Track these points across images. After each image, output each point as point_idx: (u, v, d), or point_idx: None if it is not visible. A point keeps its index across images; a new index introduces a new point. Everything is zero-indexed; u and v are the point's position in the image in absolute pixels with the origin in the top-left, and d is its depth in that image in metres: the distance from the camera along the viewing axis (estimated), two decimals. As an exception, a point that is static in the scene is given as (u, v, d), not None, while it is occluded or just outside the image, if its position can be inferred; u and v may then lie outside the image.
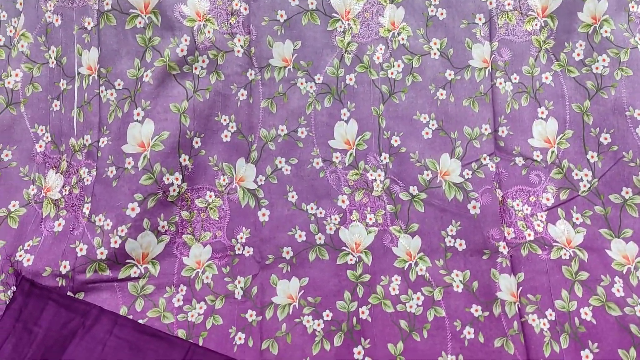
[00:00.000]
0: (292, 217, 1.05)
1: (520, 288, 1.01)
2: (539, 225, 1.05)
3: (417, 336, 0.98)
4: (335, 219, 1.05)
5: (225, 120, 1.07)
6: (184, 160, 1.02)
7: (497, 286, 1.01)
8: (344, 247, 1.04)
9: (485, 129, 1.09)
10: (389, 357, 0.96)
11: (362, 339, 0.98)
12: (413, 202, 1.06)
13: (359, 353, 0.96)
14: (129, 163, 0.98)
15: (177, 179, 1.01)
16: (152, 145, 0.99)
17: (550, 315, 0.98)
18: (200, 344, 0.96)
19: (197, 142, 1.04)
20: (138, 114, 1.00)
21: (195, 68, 1.04)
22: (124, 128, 1.00)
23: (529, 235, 1.04)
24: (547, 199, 1.07)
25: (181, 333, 0.96)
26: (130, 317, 0.96)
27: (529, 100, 1.10)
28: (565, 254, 1.03)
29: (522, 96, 1.10)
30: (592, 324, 0.97)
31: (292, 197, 1.06)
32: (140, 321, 0.96)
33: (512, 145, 1.08)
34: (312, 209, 1.06)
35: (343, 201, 1.06)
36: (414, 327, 0.98)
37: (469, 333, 0.98)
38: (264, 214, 1.05)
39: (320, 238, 1.04)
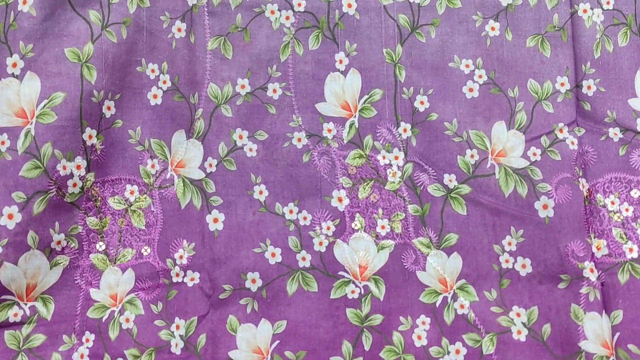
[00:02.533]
0: (260, 224, 1.05)
1: (617, 334, 1.00)
2: (645, 235, 1.04)
3: (456, 410, 0.98)
4: (328, 228, 1.05)
5: (153, 71, 1.06)
6: (90, 137, 1.01)
7: (581, 332, 1.00)
8: (341, 272, 1.04)
9: (562, 84, 1.07)
10: None
11: (370, 416, 0.98)
12: (449, 199, 1.05)
13: None
14: (2, 143, 0.97)
15: (78, 166, 1.00)
16: (39, 115, 0.97)
17: (663, 376, 0.98)
18: None
19: (109, 108, 1.03)
20: (14, 65, 0.99)
21: (104, -10, 1.02)
22: (-8, 89, 0.98)
23: (631, 250, 1.03)
24: (659, 193, 1.06)
25: (88, 409, 0.97)
26: (8, 384, 0.95)
27: (629, 37, 1.08)
28: (687, 280, 1.03)
29: (620, 31, 1.09)
30: None
31: (260, 193, 1.06)
32: (23, 391, 0.96)
33: (604, 109, 1.07)
34: (291, 212, 1.05)
35: (340, 199, 1.06)
36: (451, 397, 0.99)
37: (536, 405, 0.98)
38: (215, 220, 1.05)
39: (304, 258, 1.04)
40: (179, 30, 1.07)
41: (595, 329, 1.00)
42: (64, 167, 0.98)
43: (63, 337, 0.99)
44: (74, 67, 0.99)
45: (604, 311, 1.01)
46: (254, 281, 1.03)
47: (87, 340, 1.00)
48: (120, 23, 1.03)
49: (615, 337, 1.00)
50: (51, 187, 0.98)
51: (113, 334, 1.00)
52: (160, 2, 1.06)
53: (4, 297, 0.97)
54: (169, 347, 1.00)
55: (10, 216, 0.96)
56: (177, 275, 1.03)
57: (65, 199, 1.00)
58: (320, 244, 1.04)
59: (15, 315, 0.98)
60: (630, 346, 1.00)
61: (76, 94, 0.99)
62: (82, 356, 0.99)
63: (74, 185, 1.00)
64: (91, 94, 1.00)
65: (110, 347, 1.00)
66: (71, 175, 0.99)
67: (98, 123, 1.01)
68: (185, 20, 1.07)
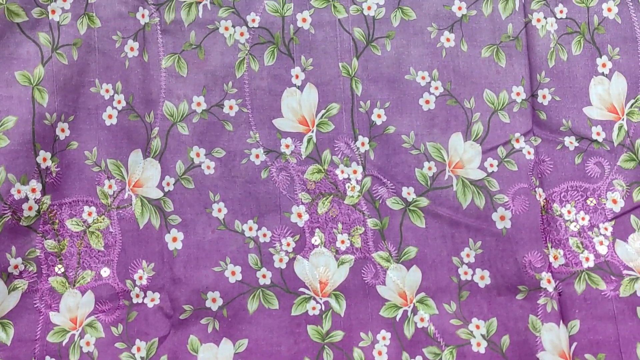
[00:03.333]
0: (219, 242, 1.05)
1: (575, 344, 1.01)
2: (601, 244, 1.05)
3: None
4: (288, 245, 1.05)
5: (107, 90, 1.06)
6: (44, 160, 1.01)
7: (539, 343, 1.01)
8: (302, 289, 1.04)
9: (518, 94, 1.08)
10: None
11: None
12: (408, 212, 1.06)
13: None
14: None
15: (33, 190, 1.00)
16: None
17: (622, 386, 1.00)
18: None
19: (63, 130, 1.03)
20: None
21: (53, 11, 1.02)
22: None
23: (587, 260, 1.05)
24: (614, 201, 1.07)
25: None
26: (-32, 414, 0.95)
27: (582, 45, 1.09)
28: (643, 288, 1.04)
29: (573, 39, 1.09)
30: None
31: (219, 210, 1.06)
32: (-17, 420, 0.95)
33: (560, 118, 1.08)
34: (250, 229, 1.06)
35: (299, 215, 1.06)
36: (412, 411, 1.00)
37: (496, 417, 0.99)
38: (175, 239, 1.05)
39: (264, 276, 1.04)
40: (132, 49, 1.07)
41: (552, 340, 1.01)
42: (19, 191, 0.98)
43: None
44: (25, 90, 0.99)
45: (561, 321, 1.01)
46: (214, 300, 1.03)
47: None
48: (71, 45, 1.03)
49: (573, 347, 1.01)
50: (6, 212, 0.97)
51: (74, 358, 1.00)
52: (111, 22, 1.06)
53: None
54: None
55: None
56: (137, 296, 1.03)
57: (21, 223, 0.99)
58: (281, 260, 1.05)
59: None
60: (587, 356, 1.01)
61: (28, 117, 0.98)
62: None
63: (30, 208, 1.00)
64: (43, 116, 0.99)
65: None
66: (26, 199, 0.99)
67: (52, 145, 1.01)
68: (137, 39, 1.07)
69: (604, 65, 1.09)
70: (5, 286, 0.99)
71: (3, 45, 1.00)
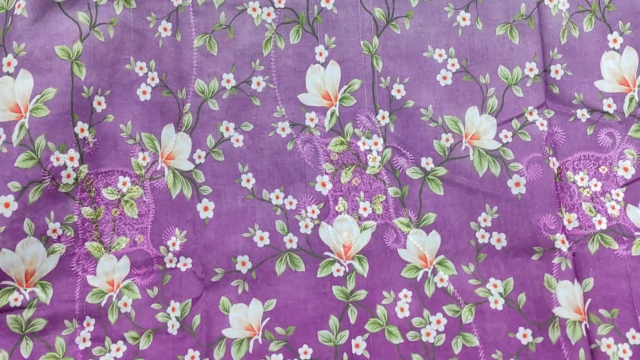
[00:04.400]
0: (248, 210, 1.08)
1: (589, 300, 1.04)
2: (613, 208, 1.08)
3: (439, 377, 1.01)
4: (313, 212, 1.08)
5: (141, 68, 1.09)
6: (82, 130, 1.04)
7: (555, 299, 1.04)
8: (327, 252, 1.07)
9: (530, 69, 1.11)
10: (398, 408, 0.99)
11: (357, 384, 1.01)
12: (427, 181, 1.09)
13: (352, 405, 1.00)
14: None
15: (71, 158, 1.03)
16: (32, 110, 1.00)
17: (634, 338, 1.02)
18: (118, 401, 0.98)
19: (100, 103, 1.06)
20: (9, 64, 1.02)
21: (93, -9, 1.06)
22: (-10, 86, 1.02)
23: (600, 222, 1.08)
24: (625, 169, 1.10)
25: (89, 387, 0.99)
26: (13, 366, 0.98)
27: (594, 22, 1.13)
28: (653, 248, 1.07)
29: (585, 17, 1.13)
30: (694, 348, 1.02)
31: (248, 181, 1.09)
32: (27, 372, 0.98)
33: (572, 92, 1.12)
34: (277, 197, 1.09)
35: (323, 184, 1.09)
36: (434, 365, 1.02)
37: (514, 369, 1.01)
38: (206, 208, 1.08)
39: (291, 240, 1.07)
40: (165, 29, 1.10)
41: (567, 296, 1.03)
42: (57, 159, 1.01)
43: (64, 322, 1.01)
44: (64, 64, 1.02)
45: (575, 279, 1.04)
46: (244, 264, 1.06)
47: (88, 325, 1.02)
48: (108, 23, 1.06)
49: (587, 303, 1.04)
50: (45, 178, 1.00)
51: (112, 318, 1.03)
52: (146, 3, 1.09)
53: (4, 282, 0.99)
54: (166, 328, 1.03)
55: (6, 205, 0.98)
56: (171, 261, 1.06)
57: (59, 189, 1.02)
58: (306, 226, 1.07)
59: (16, 300, 1.00)
60: (602, 311, 1.03)
61: (67, 90, 1.02)
62: (84, 340, 1.01)
63: (68, 176, 1.02)
64: (81, 89, 1.03)
65: (110, 330, 1.02)
66: (64, 167, 1.02)
67: (89, 117, 1.04)
68: (171, 20, 1.10)
69: (614, 40, 1.12)
70: (45, 249, 1.01)
71: (45, 23, 1.03)
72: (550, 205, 1.07)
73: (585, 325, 1.02)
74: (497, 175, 1.08)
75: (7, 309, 1.00)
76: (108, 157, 1.07)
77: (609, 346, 1.01)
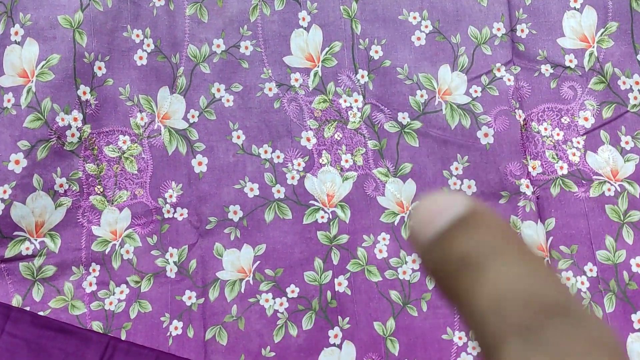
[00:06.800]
0: (239, 164, 1.15)
1: (551, 238, 1.12)
2: (574, 155, 1.15)
3: (414, 310, 1.09)
4: (299, 164, 1.15)
5: (138, 35, 1.16)
6: (84, 93, 1.10)
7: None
8: (312, 201, 1.14)
9: (498, 29, 1.18)
10: (376, 338, 1.07)
11: (339, 318, 1.09)
12: (403, 134, 1.16)
13: (335, 336, 1.07)
14: (9, 100, 1.07)
15: (75, 119, 1.10)
16: (38, 74, 1.07)
17: (591, 270, 1.10)
18: (123, 338, 1.06)
19: (100, 68, 1.13)
20: (16, 33, 1.08)
21: (91, -36, 1.12)
22: (0, 55, 1.08)
23: (561, 168, 1.15)
24: (586, 119, 1.17)
25: (97, 326, 1.06)
26: (27, 309, 1.05)
27: None
28: (609, 190, 1.13)
29: None
30: (648, 280, 1.09)
31: (238, 137, 1.16)
32: (40, 313, 1.05)
33: (536, 49, 1.18)
34: (266, 152, 1.15)
35: (308, 139, 1.16)
36: (409, 299, 1.10)
37: (482, 302, 1.09)
38: (200, 163, 1.15)
39: (279, 191, 1.14)
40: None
41: (531, 235, 1.11)
42: (62, 119, 1.08)
43: (72, 268, 1.08)
44: (67, 32, 1.09)
45: (539, 220, 1.12)
46: (235, 213, 1.12)
47: (94, 270, 1.09)
48: None
49: (549, 241, 1.11)
50: (52, 137, 1.07)
51: (116, 264, 1.10)
52: None
53: (16, 233, 1.06)
54: (165, 272, 1.10)
55: (17, 162, 1.05)
56: (168, 212, 1.13)
57: (65, 147, 1.09)
58: (293, 178, 1.14)
59: (27, 249, 1.07)
60: (562, 247, 1.11)
61: (69, 56, 1.08)
62: (90, 284, 1.08)
63: (72, 135, 1.09)
64: (83, 55, 1.09)
65: (114, 275, 1.09)
66: (69, 127, 1.08)
67: (91, 81, 1.11)
68: None
69: (575, 0, 1.19)
70: (53, 202, 1.08)
71: None
72: (516, 153, 1.14)
73: (548, 260, 1.10)
74: (468, 127, 1.14)
75: (20, 257, 1.07)
76: (109, 117, 1.13)
77: (568, 279, 1.09)
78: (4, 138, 1.06)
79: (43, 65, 1.07)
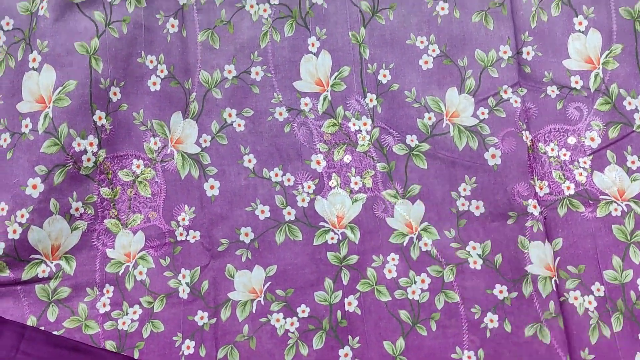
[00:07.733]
0: (250, 187, 1.15)
1: (558, 258, 1.11)
2: (581, 175, 1.15)
3: (423, 330, 1.09)
4: (309, 187, 1.16)
5: (151, 61, 1.17)
6: (100, 118, 1.11)
7: (527, 258, 1.11)
8: (322, 223, 1.15)
9: (505, 52, 1.18)
10: (386, 358, 1.07)
11: (349, 337, 1.09)
12: (412, 156, 1.16)
13: (346, 355, 1.08)
14: (26, 126, 1.08)
15: (91, 144, 1.10)
16: (55, 100, 1.08)
17: (598, 290, 1.10)
18: (136, 357, 1.06)
19: (115, 94, 1.14)
20: (34, 60, 1.10)
21: (106, -7, 1.13)
22: (18, 81, 1.10)
23: (568, 188, 1.14)
24: (592, 139, 1.16)
25: (110, 345, 1.07)
26: (42, 328, 1.06)
27: (560, 7, 1.19)
28: (616, 210, 1.13)
29: (552, 3, 1.20)
30: (656, 299, 1.08)
31: (249, 161, 1.16)
32: (55, 333, 1.06)
33: (542, 71, 1.18)
34: (276, 175, 1.16)
35: (318, 162, 1.17)
36: (419, 319, 1.10)
37: (491, 321, 1.09)
38: (212, 187, 1.15)
39: (289, 213, 1.15)
40: (173, 26, 1.18)
41: (539, 255, 1.10)
42: (79, 144, 1.08)
43: (86, 290, 1.09)
44: (83, 58, 1.10)
45: (546, 240, 1.11)
46: (247, 234, 1.13)
47: (108, 292, 1.10)
48: (121, 21, 1.14)
49: (557, 261, 1.11)
50: (68, 162, 1.08)
51: (129, 285, 1.11)
52: (155, 2, 1.17)
53: (32, 256, 1.07)
54: (177, 292, 1.11)
55: (34, 186, 1.06)
56: (181, 234, 1.14)
57: (80, 172, 1.10)
58: (303, 200, 1.15)
59: (44, 271, 1.08)
60: (569, 267, 1.11)
61: (86, 82, 1.09)
62: (104, 305, 1.09)
63: (88, 160, 1.10)
64: (99, 81, 1.11)
65: (127, 296, 1.10)
66: (85, 152, 1.09)
67: (106, 106, 1.12)
68: (177, 17, 1.18)
69: (580, 23, 1.19)
70: (69, 226, 1.09)
71: (65, 22, 1.11)
72: (523, 174, 1.13)
73: (555, 280, 1.09)
74: (475, 149, 1.15)
75: (36, 280, 1.08)
76: (123, 142, 1.14)
77: (575, 298, 1.09)
78: (21, 163, 1.07)
79: (60, 91, 1.08)
